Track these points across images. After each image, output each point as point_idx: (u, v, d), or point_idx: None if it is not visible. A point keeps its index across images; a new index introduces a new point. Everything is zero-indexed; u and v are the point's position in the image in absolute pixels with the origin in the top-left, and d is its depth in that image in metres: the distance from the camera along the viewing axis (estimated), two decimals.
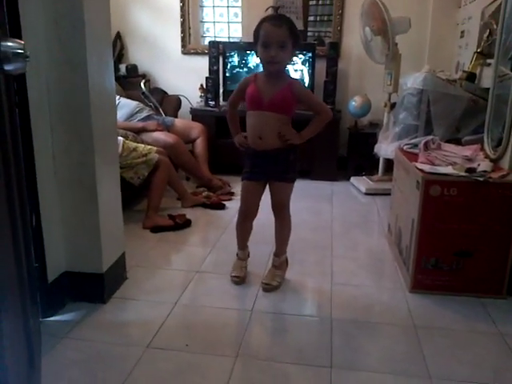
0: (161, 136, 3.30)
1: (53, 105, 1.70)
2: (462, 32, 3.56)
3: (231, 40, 4.31)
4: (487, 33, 2.89)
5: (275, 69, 1.83)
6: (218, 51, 3.91)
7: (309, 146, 3.68)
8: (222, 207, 3.10)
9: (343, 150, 4.05)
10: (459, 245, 1.93)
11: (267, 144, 1.88)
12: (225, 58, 3.95)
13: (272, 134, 1.86)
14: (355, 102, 3.78)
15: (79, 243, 1.83)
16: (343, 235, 2.68)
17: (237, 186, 3.33)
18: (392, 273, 2.22)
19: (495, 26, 2.61)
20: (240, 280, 2.06)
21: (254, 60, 3.92)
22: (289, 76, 1.94)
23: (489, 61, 2.76)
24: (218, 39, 4.19)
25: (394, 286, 2.09)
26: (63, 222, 1.80)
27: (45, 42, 1.63)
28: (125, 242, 2.09)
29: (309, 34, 4.18)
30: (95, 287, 1.87)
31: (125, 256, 2.07)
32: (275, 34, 1.76)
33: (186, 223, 2.74)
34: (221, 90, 4.02)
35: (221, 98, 4.02)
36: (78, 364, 1.51)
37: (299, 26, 4.04)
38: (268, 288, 2.00)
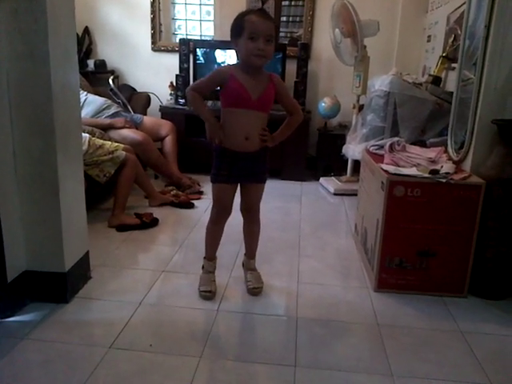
0: (129, 133, 3.24)
1: (13, 99, 1.65)
2: (429, 36, 3.65)
3: (203, 38, 4.29)
4: (452, 38, 2.97)
5: (262, 63, 1.68)
6: (188, 49, 3.89)
7: (279, 147, 3.69)
8: (191, 206, 3.08)
9: (312, 151, 4.09)
10: (422, 245, 1.97)
11: (253, 145, 1.77)
12: (195, 55, 3.93)
13: (257, 134, 1.77)
14: (325, 103, 3.81)
15: (40, 242, 1.79)
16: (311, 235, 2.70)
17: (206, 185, 3.32)
18: (358, 272, 2.25)
19: (459, 32, 2.67)
20: (211, 294, 1.92)
21: (224, 58, 3.92)
22: (265, 70, 1.78)
23: (454, 65, 2.83)
24: (189, 37, 4.17)
25: (360, 285, 2.12)
26: (23, 220, 1.76)
27: (5, 34, 1.58)
28: (89, 240, 2.05)
29: (281, 34, 4.20)
30: (57, 287, 1.83)
31: (89, 255, 2.03)
32: (265, 26, 1.63)
33: (153, 222, 2.70)
34: None
35: None
36: (37, 365, 1.47)
37: None
38: (259, 290, 1.98)
